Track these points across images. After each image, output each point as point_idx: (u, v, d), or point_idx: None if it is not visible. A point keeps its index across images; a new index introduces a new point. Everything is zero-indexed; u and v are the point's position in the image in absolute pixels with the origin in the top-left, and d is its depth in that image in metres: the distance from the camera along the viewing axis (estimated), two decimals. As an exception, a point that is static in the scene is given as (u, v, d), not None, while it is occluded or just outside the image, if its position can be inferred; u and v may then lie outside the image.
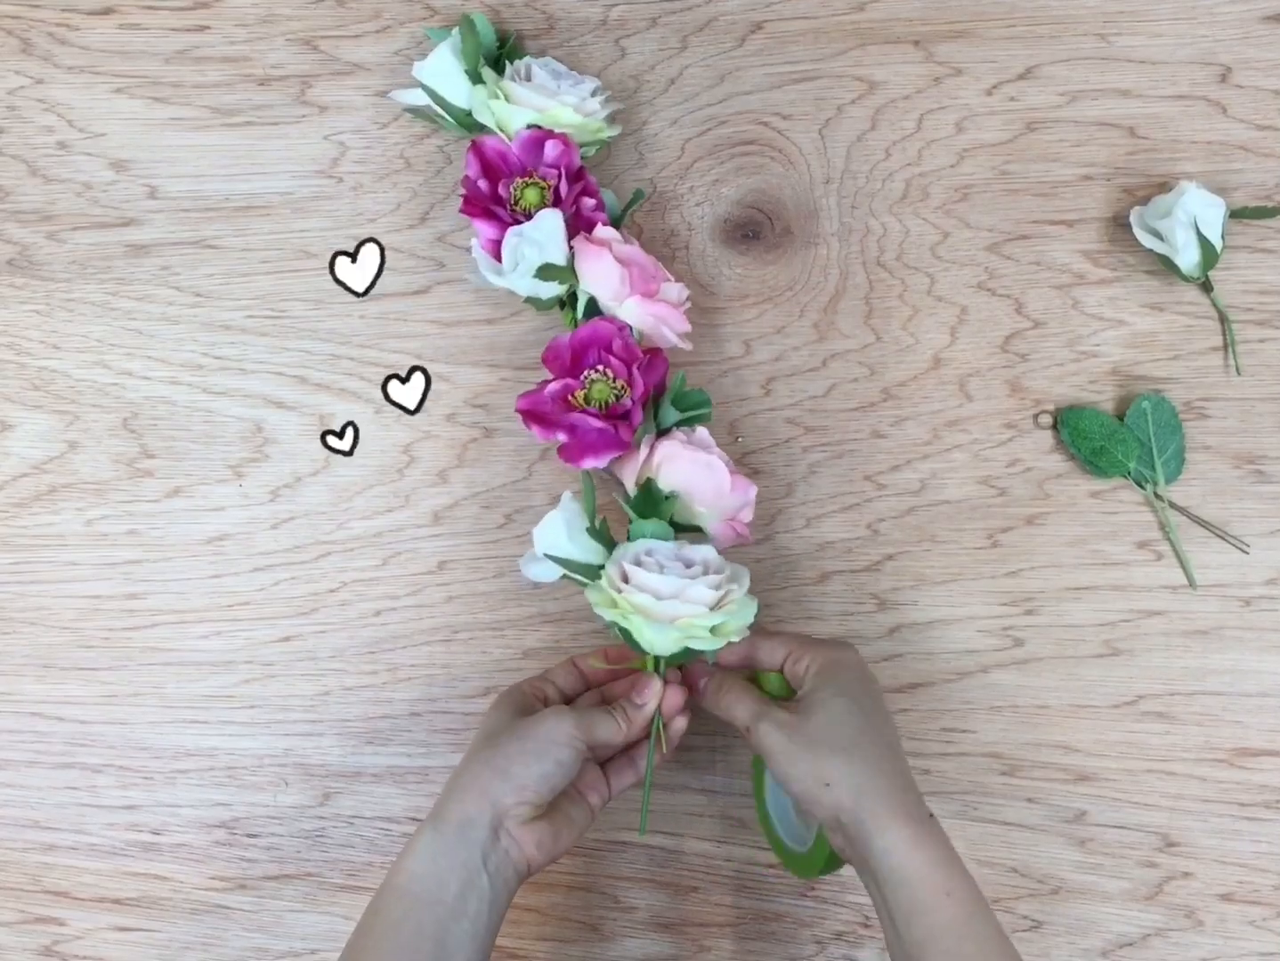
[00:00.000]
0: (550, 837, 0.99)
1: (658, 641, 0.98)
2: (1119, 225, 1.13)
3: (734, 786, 1.14)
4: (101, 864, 1.19)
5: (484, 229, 1.06)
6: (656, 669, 1.03)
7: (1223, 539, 1.12)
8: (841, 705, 0.97)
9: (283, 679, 1.17)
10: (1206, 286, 1.10)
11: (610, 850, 1.13)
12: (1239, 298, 1.13)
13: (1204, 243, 1.07)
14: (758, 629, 1.03)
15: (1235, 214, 1.10)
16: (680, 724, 1.05)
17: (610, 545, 1.04)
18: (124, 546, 1.18)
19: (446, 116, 1.11)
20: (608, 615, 0.99)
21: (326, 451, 1.17)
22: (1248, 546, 1.12)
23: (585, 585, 1.03)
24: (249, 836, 1.17)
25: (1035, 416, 1.13)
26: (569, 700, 1.07)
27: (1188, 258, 1.08)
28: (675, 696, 1.04)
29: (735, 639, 0.98)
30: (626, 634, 0.99)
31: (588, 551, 1.04)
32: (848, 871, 1.09)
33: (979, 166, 1.15)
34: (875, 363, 1.14)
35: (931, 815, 0.92)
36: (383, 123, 1.18)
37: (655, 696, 1.03)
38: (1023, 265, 1.14)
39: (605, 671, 1.07)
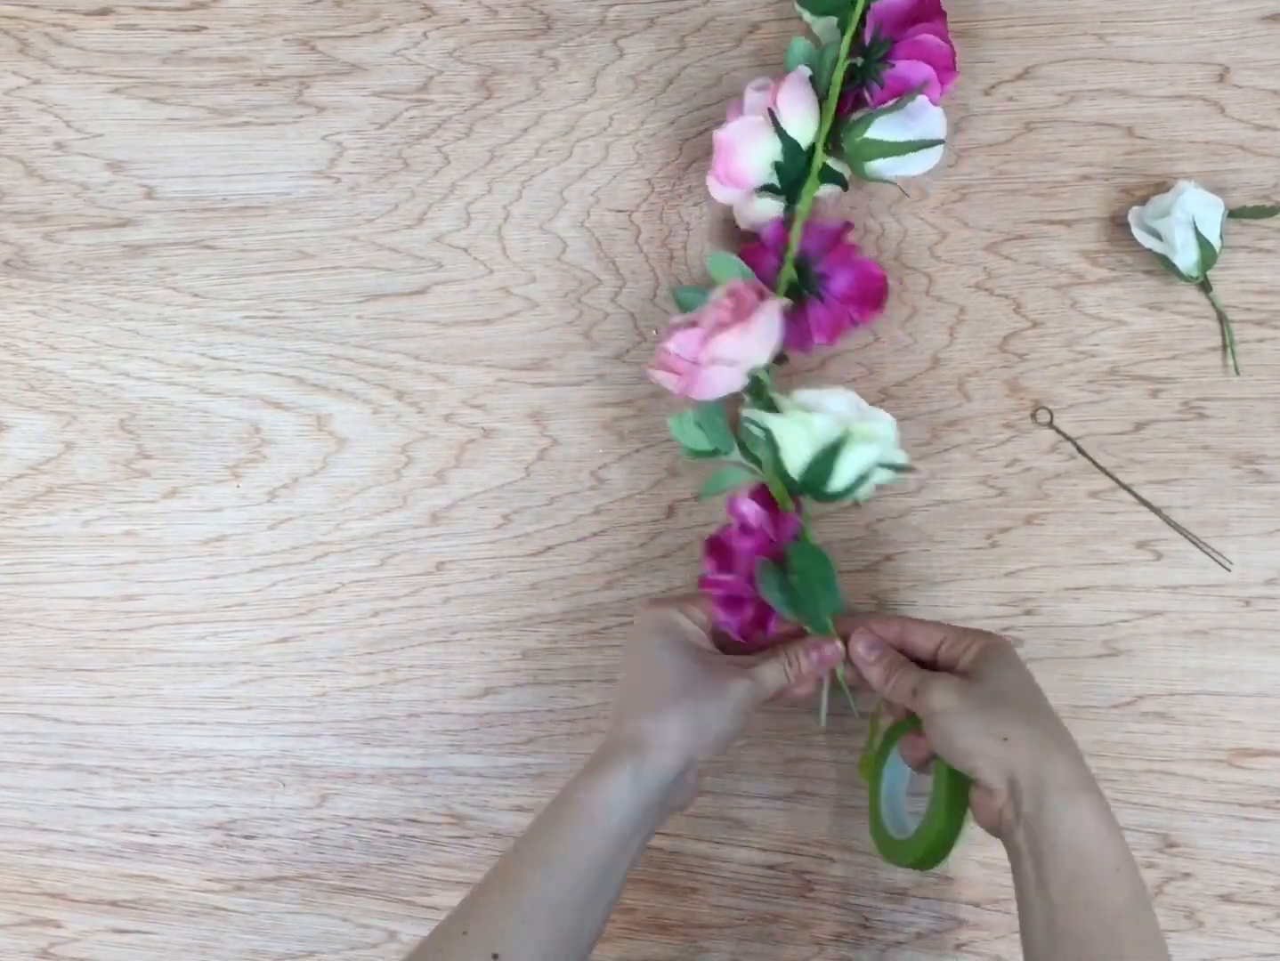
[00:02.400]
0: (696, 786, 1.03)
1: (804, 447, 0.99)
2: (1117, 225, 1.13)
3: (733, 787, 1.14)
4: (98, 865, 1.18)
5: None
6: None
7: (1206, 553, 1.12)
8: (1015, 676, 0.99)
9: (280, 680, 1.17)
10: (1205, 286, 1.10)
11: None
12: (1238, 297, 1.12)
13: (1202, 242, 1.06)
14: (908, 616, 1.07)
15: (1234, 214, 1.09)
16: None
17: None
18: (121, 547, 1.18)
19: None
20: (758, 421, 1.01)
21: (324, 452, 1.17)
22: (1230, 563, 1.12)
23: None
24: (246, 838, 1.17)
25: (1033, 414, 1.12)
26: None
27: (1186, 257, 1.07)
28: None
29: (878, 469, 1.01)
30: (772, 458, 1.01)
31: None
32: (849, 872, 1.13)
33: (977, 166, 1.14)
34: (873, 363, 1.14)
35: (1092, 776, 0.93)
36: (380, 123, 1.17)
37: (837, 657, 1.05)
38: (1021, 265, 1.14)
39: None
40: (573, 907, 0.93)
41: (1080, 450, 1.12)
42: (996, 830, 0.94)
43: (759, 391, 1.02)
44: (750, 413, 1.02)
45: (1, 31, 1.21)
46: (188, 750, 1.17)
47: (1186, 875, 1.11)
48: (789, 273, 1.06)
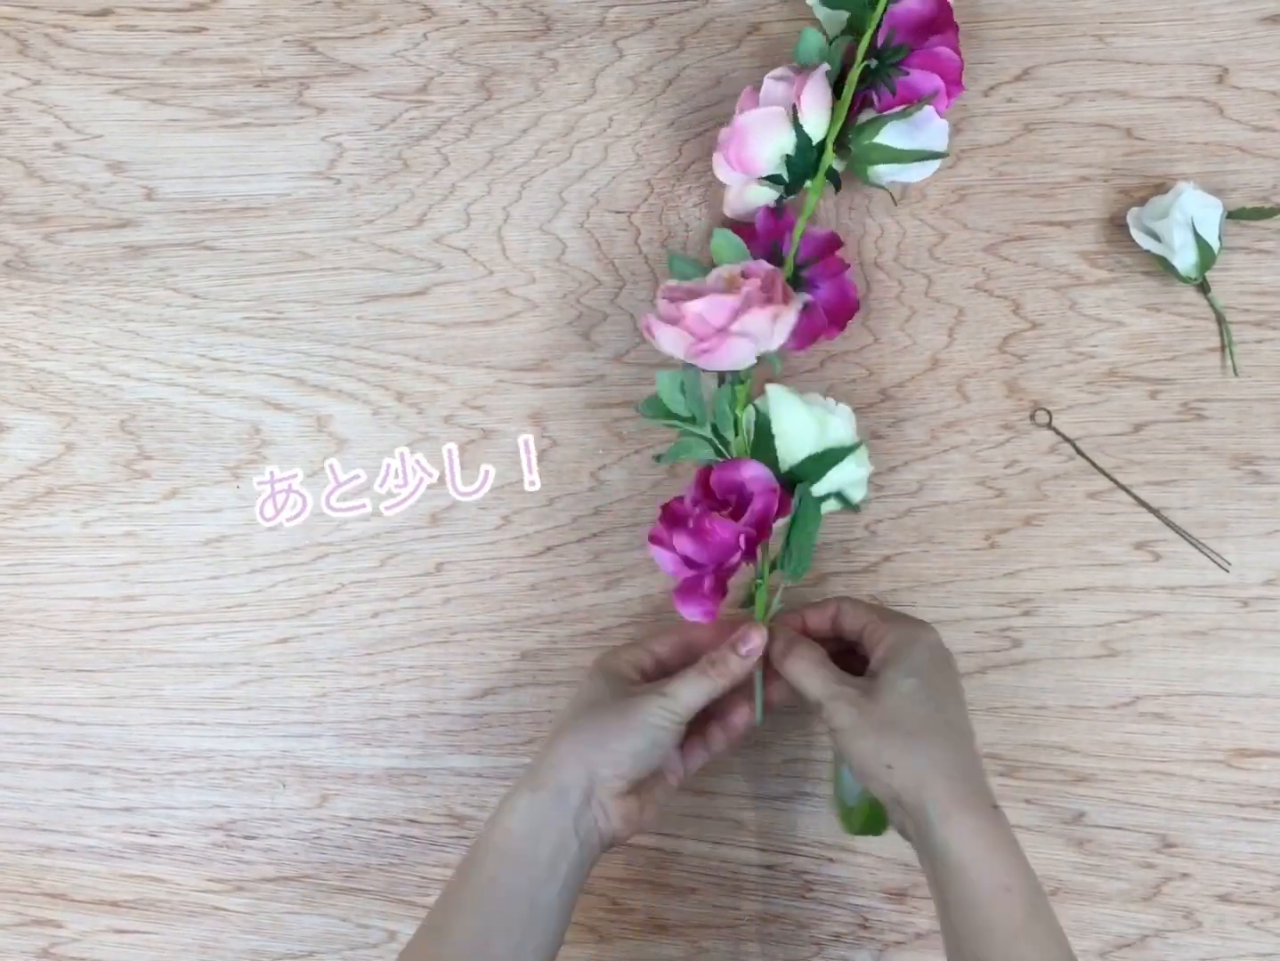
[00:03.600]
0: (636, 812, 1.01)
1: (809, 441, 1.03)
2: (1116, 226, 1.13)
3: (730, 787, 1.14)
4: (99, 866, 1.19)
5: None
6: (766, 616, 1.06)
7: (1204, 554, 1.12)
8: (911, 686, 0.97)
9: (280, 680, 1.17)
10: (1204, 287, 1.10)
11: (609, 853, 1.10)
12: (1236, 299, 1.12)
13: (1201, 243, 1.07)
14: (844, 597, 1.07)
15: (1233, 215, 1.10)
16: (783, 692, 1.06)
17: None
18: (121, 548, 1.18)
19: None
20: None
21: (324, 453, 1.17)
22: (1228, 565, 1.12)
23: None
24: (246, 838, 1.17)
25: (1032, 415, 1.13)
26: (665, 671, 1.07)
27: (1185, 258, 1.07)
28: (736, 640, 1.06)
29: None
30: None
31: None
32: (848, 872, 1.13)
33: (976, 168, 1.14)
34: (873, 364, 1.14)
35: (996, 806, 0.93)
36: (380, 124, 1.18)
37: (760, 645, 1.04)
38: (1020, 266, 1.14)
39: (707, 634, 1.07)
40: (501, 941, 0.94)
41: (1079, 451, 1.12)
42: None
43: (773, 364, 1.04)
44: (773, 389, 1.04)
45: (2, 32, 1.21)
46: (188, 750, 1.18)
47: (1185, 875, 1.11)
48: (790, 268, 1.06)
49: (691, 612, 1.03)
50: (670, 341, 1.02)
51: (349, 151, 1.18)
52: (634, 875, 1.15)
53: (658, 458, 1.10)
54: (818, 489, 1.03)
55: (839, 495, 1.05)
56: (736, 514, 1.02)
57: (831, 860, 1.13)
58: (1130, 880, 1.11)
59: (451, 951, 0.94)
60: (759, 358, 1.02)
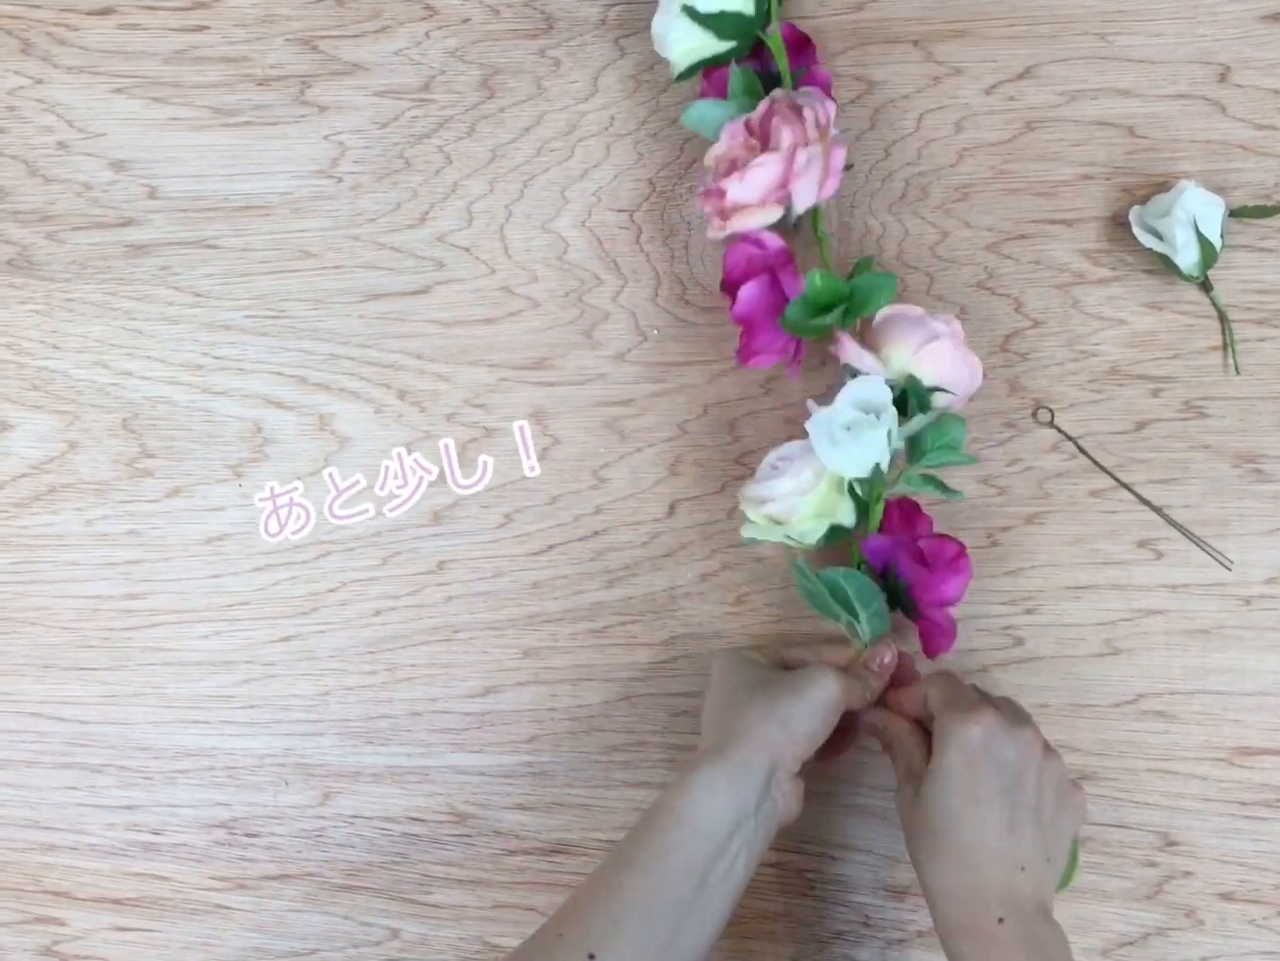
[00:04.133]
0: (802, 795, 1.01)
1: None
2: (1118, 224, 1.13)
3: (734, 786, 1.15)
4: (101, 864, 1.19)
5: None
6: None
7: (1207, 552, 1.12)
8: (935, 796, 0.97)
9: (283, 678, 1.17)
10: (1206, 286, 1.10)
11: (610, 850, 1.10)
12: (1239, 296, 1.12)
13: (1203, 242, 1.07)
14: (933, 676, 1.05)
15: (1234, 213, 1.10)
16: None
17: None
18: (124, 546, 1.19)
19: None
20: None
21: (326, 451, 1.18)
22: (1231, 563, 1.12)
23: None
24: (249, 836, 1.17)
25: (1034, 414, 1.13)
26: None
27: (1187, 257, 1.07)
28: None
29: None
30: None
31: None
32: (850, 870, 1.15)
33: (978, 166, 1.15)
34: (874, 362, 1.14)
35: (1003, 920, 0.92)
36: (382, 122, 1.18)
37: (893, 660, 1.06)
38: (1022, 264, 1.14)
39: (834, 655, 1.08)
40: (667, 912, 0.93)
41: (1081, 449, 1.12)
42: None
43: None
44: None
45: (4, 31, 1.22)
46: (191, 748, 1.18)
47: (1187, 873, 1.11)
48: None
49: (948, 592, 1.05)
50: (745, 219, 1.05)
51: (351, 150, 1.18)
52: None
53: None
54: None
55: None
56: None
57: (834, 858, 1.14)
58: (1132, 878, 1.11)
59: (620, 908, 0.94)
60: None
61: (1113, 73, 1.14)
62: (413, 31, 1.18)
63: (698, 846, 0.95)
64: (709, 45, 1.09)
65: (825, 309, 1.03)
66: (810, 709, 0.99)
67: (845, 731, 1.05)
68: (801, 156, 1.02)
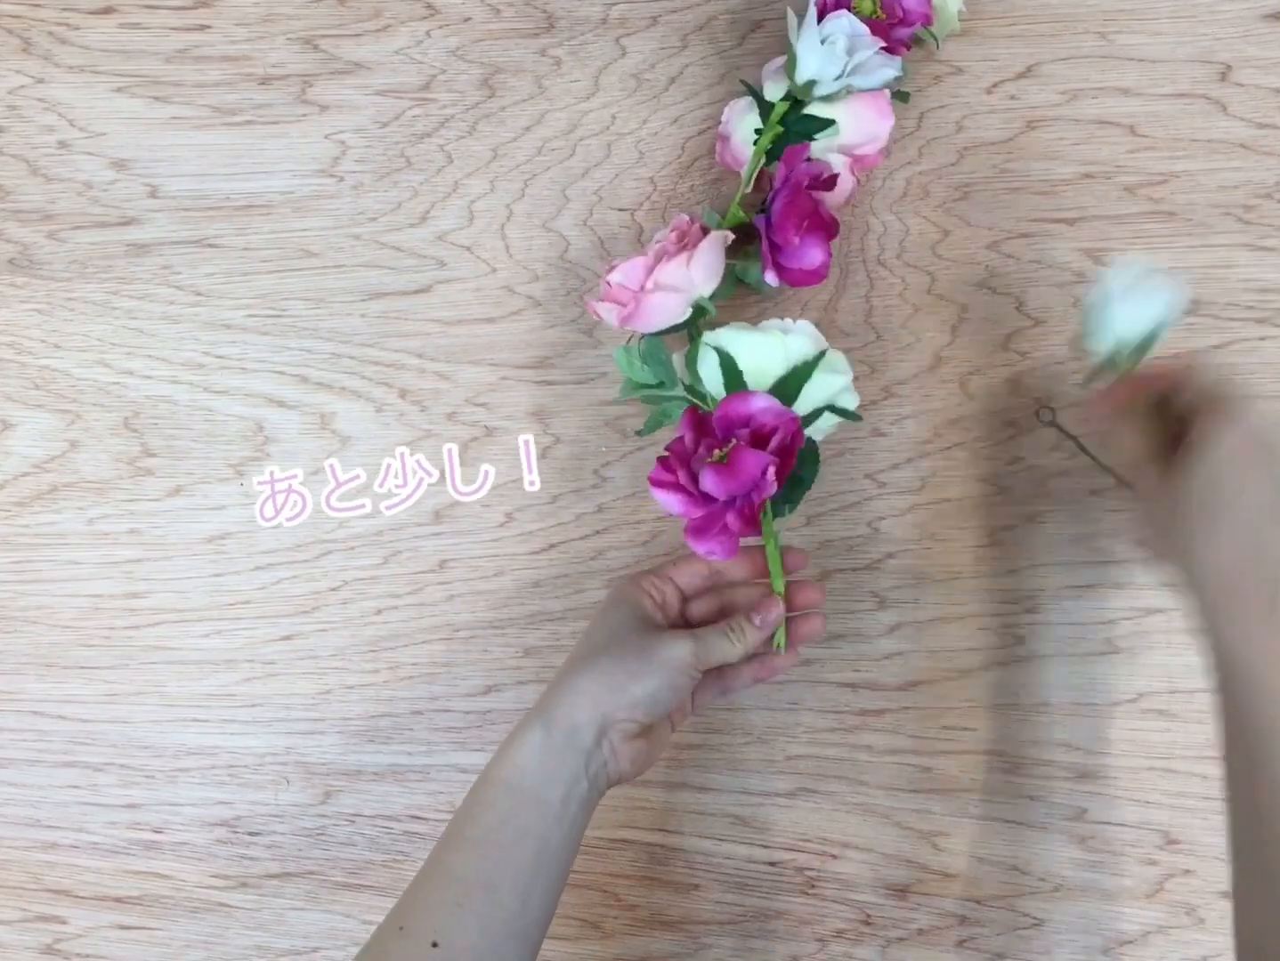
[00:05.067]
0: (644, 754, 1.00)
1: (774, 365, 1.01)
2: (1120, 223, 1.13)
3: (733, 784, 1.14)
4: (103, 862, 1.19)
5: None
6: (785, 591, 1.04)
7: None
8: (1213, 463, 0.90)
9: (284, 677, 1.17)
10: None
11: (612, 848, 1.13)
12: (1239, 295, 1.12)
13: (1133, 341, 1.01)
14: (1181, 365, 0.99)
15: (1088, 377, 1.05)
16: (816, 625, 1.05)
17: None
18: (125, 545, 1.19)
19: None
20: None
21: (328, 450, 1.18)
22: None
23: None
24: (250, 834, 1.18)
25: (1036, 412, 1.12)
26: (687, 601, 1.06)
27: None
28: (811, 594, 1.05)
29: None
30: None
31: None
32: (850, 869, 1.15)
33: (979, 165, 1.15)
34: (876, 360, 1.14)
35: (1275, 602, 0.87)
36: (383, 121, 1.18)
37: (778, 620, 1.03)
38: (1023, 263, 1.14)
39: (734, 566, 1.06)
40: (510, 883, 0.93)
41: (1082, 448, 1.12)
42: None
43: (696, 318, 1.04)
44: (713, 335, 1.02)
45: (5, 30, 1.22)
46: (192, 747, 1.18)
47: (1187, 871, 1.11)
48: (735, 213, 1.07)
49: (710, 550, 1.01)
50: (607, 315, 1.03)
51: (352, 149, 1.18)
52: (637, 871, 1.15)
53: (639, 432, 1.09)
54: (799, 408, 1.02)
55: (833, 409, 1.03)
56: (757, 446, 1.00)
57: (834, 856, 1.14)
58: (1133, 876, 1.12)
59: (461, 890, 0.92)
60: (698, 308, 1.03)
61: (1113, 71, 1.14)
62: (414, 30, 1.18)
63: (531, 813, 0.94)
64: None
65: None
66: (654, 673, 0.98)
67: (769, 655, 1.04)
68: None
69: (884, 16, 1.05)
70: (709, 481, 0.98)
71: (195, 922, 1.18)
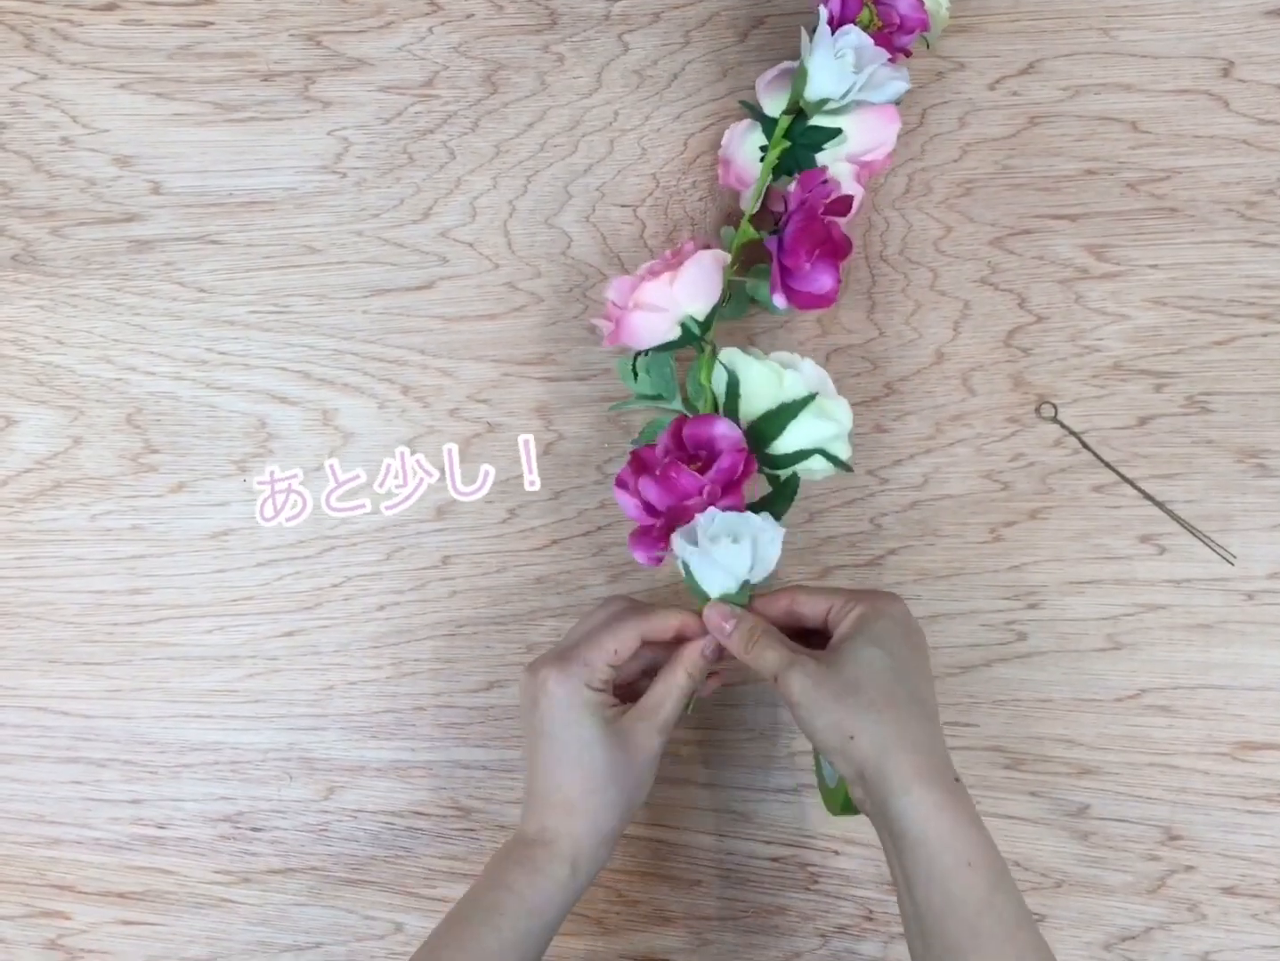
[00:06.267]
0: (613, 845, 1.02)
1: (767, 397, 1.02)
2: (1122, 219, 1.14)
3: (735, 780, 1.15)
4: (106, 858, 1.19)
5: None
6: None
7: (1209, 547, 1.12)
8: (872, 655, 0.95)
9: (287, 673, 1.18)
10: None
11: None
12: (1241, 292, 1.13)
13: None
14: (799, 585, 1.04)
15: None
16: (712, 684, 1.07)
17: None
18: (128, 541, 1.19)
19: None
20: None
21: (330, 446, 1.18)
22: (1233, 558, 1.12)
23: None
24: (253, 830, 1.18)
25: (1037, 409, 1.13)
26: (623, 667, 1.03)
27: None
28: (706, 645, 1.03)
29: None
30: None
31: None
32: (852, 865, 1.14)
33: (982, 161, 1.15)
34: (878, 357, 1.14)
35: (958, 779, 0.91)
36: (386, 118, 1.18)
37: (715, 642, 1.02)
38: (1026, 260, 1.14)
39: (661, 621, 1.03)
40: None
41: (1084, 444, 1.13)
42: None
43: (690, 336, 1.04)
44: (728, 353, 1.03)
45: (8, 27, 1.22)
46: (195, 743, 1.18)
47: (1189, 868, 1.12)
48: (746, 231, 1.07)
49: (641, 557, 1.02)
50: (605, 333, 1.04)
51: (355, 145, 1.18)
52: (639, 867, 1.15)
53: (633, 441, 1.11)
54: (781, 446, 1.02)
55: (823, 453, 1.03)
56: (704, 469, 1.00)
57: (836, 852, 1.14)
58: (1135, 872, 1.12)
59: None
60: (689, 327, 1.03)
61: (1116, 68, 1.15)
62: (416, 27, 1.19)
63: (541, 936, 0.97)
64: None
65: None
66: (649, 768, 1.00)
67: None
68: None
69: (881, 25, 1.05)
70: (649, 491, 1.00)
71: (198, 918, 1.19)
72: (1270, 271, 1.13)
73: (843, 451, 1.03)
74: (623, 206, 1.17)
